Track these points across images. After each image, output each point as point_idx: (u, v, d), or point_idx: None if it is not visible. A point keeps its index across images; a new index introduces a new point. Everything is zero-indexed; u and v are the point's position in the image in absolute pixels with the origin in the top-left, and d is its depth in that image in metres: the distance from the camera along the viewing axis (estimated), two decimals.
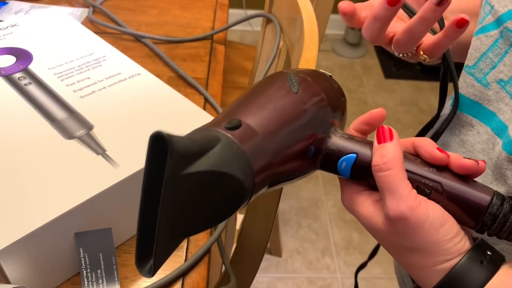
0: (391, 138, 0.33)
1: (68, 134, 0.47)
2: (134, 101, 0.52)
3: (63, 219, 0.40)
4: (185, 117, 0.51)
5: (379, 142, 0.33)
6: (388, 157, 0.32)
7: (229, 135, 0.30)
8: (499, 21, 0.41)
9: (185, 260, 0.47)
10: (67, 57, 0.58)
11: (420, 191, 0.33)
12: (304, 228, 1.57)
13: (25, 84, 0.52)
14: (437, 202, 0.33)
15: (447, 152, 0.33)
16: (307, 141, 0.34)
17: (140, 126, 0.49)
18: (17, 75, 0.54)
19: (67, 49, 0.59)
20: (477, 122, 0.44)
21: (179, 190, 0.27)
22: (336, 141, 0.35)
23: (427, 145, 0.34)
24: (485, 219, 0.32)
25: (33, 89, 0.52)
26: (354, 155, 0.34)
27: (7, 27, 0.62)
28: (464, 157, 0.33)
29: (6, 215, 0.39)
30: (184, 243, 0.48)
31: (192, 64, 0.74)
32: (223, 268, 0.75)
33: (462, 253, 0.32)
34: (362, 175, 0.34)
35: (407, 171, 0.33)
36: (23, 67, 0.55)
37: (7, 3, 0.85)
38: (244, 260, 0.59)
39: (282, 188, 0.51)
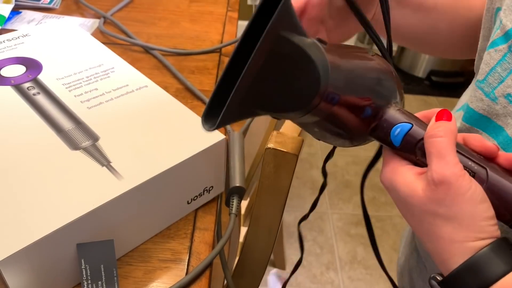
0: (450, 119, 0.34)
1: (73, 145, 0.47)
2: (140, 113, 0.53)
3: (66, 230, 0.40)
4: (191, 131, 0.51)
5: (437, 120, 0.34)
6: (443, 127, 0.33)
7: (319, 43, 0.33)
8: (507, 36, 0.41)
9: (186, 273, 0.47)
10: (76, 68, 0.58)
11: None
12: (309, 241, 1.56)
13: (34, 94, 0.53)
14: None
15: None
16: (373, 96, 0.36)
17: (145, 139, 0.49)
18: (26, 84, 0.54)
19: (77, 60, 0.60)
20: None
21: (270, 53, 0.30)
22: (395, 112, 0.37)
23: (477, 136, 0.35)
24: None
25: (41, 99, 0.53)
26: (410, 124, 0.36)
27: (18, 37, 0.63)
28: None
29: (9, 224, 0.39)
30: (185, 257, 0.49)
31: (200, 77, 0.74)
32: (226, 281, 0.74)
33: (494, 237, 0.32)
34: (412, 147, 0.36)
35: (456, 151, 0.34)
36: (32, 77, 0.56)
37: (20, 12, 0.86)
38: (246, 274, 0.59)
39: (285, 203, 0.51)
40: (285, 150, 0.42)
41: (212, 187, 0.54)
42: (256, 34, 0.31)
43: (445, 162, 0.32)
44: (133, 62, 0.76)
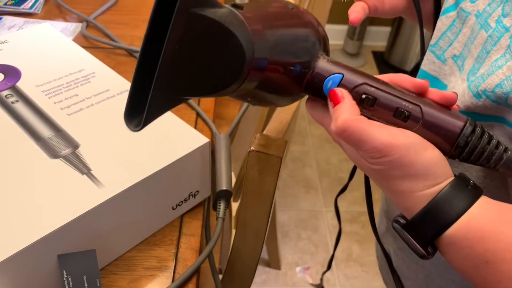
0: (343, 98, 0.34)
1: (53, 153, 0.46)
2: (122, 118, 0.51)
3: (46, 241, 0.39)
4: (173, 135, 0.50)
5: (333, 106, 0.34)
6: (341, 118, 0.32)
7: (235, 11, 0.31)
8: (456, 3, 0.44)
9: (172, 281, 0.46)
10: (56, 74, 0.57)
11: (400, 114, 0.34)
12: (304, 240, 1.55)
13: (12, 102, 0.52)
14: (414, 127, 0.34)
15: None
16: (300, 54, 0.35)
17: (127, 145, 0.48)
18: (5, 92, 0.53)
19: (56, 66, 0.59)
20: None
21: (185, 30, 0.28)
22: (324, 63, 0.36)
23: (405, 77, 0.35)
24: (459, 140, 0.33)
25: (20, 107, 0.51)
26: (341, 75, 0.35)
27: None
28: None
29: None
30: (171, 264, 0.48)
31: None
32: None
33: (449, 177, 0.33)
34: None
35: (388, 93, 0.34)
36: (11, 84, 0.55)
37: (0, 18, 0.85)
38: (236, 278, 0.58)
39: (271, 205, 0.50)
40: (268, 153, 0.41)
41: (198, 191, 0.53)
42: (166, 17, 0.29)
43: (371, 143, 0.32)
44: (116, 66, 0.75)
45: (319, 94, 0.37)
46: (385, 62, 2.38)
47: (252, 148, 0.42)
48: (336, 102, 0.34)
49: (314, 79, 0.36)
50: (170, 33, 0.27)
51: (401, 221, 0.34)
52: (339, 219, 0.61)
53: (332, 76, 0.36)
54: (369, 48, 2.50)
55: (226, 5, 0.32)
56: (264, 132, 0.44)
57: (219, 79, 0.32)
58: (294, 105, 0.49)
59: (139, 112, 0.30)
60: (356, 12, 0.49)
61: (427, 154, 0.32)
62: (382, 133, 0.32)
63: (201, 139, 0.49)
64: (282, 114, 0.48)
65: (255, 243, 0.51)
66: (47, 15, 0.88)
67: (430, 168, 0.32)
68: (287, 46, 0.35)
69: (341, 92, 0.34)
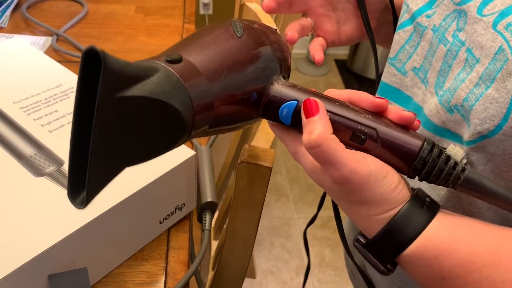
0: (318, 111, 0.33)
1: (37, 171, 0.45)
2: None
3: (35, 262, 0.38)
4: None
5: (307, 117, 0.33)
6: (316, 132, 0.32)
7: (169, 67, 0.30)
8: (412, 18, 0.46)
9: None
10: (33, 90, 0.56)
11: (357, 138, 0.34)
12: (277, 248, 1.56)
13: None
14: (372, 149, 0.34)
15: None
16: (250, 85, 0.34)
17: None
18: None
19: (33, 81, 0.58)
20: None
21: (113, 114, 0.26)
22: (278, 88, 0.35)
23: (364, 96, 0.35)
24: (416, 163, 0.33)
25: None
26: (295, 102, 0.35)
27: None
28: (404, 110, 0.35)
29: None
30: (161, 278, 0.47)
31: None
32: None
33: (405, 200, 0.33)
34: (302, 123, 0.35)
35: (344, 117, 0.34)
36: None
37: None
38: None
39: (260, 215, 0.50)
40: (258, 163, 0.42)
41: (184, 204, 0.53)
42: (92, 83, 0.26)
43: (337, 166, 0.32)
44: None
45: (276, 120, 0.36)
46: (347, 70, 2.45)
47: (241, 159, 0.42)
48: (309, 113, 0.33)
49: (269, 106, 0.35)
50: (96, 124, 0.25)
51: (362, 240, 0.35)
52: (307, 252, 0.61)
53: (286, 104, 0.35)
54: (332, 56, 2.56)
55: (160, 63, 0.30)
56: (252, 144, 0.45)
57: (163, 141, 0.30)
58: None
59: (82, 187, 0.28)
60: (319, 52, 0.52)
61: (385, 181, 0.33)
62: (348, 158, 0.32)
63: (187, 152, 0.50)
64: (268, 125, 0.49)
65: (243, 252, 0.52)
66: (14, 29, 0.86)
67: (387, 196, 0.33)
68: (235, 82, 0.33)
69: (315, 103, 0.33)
